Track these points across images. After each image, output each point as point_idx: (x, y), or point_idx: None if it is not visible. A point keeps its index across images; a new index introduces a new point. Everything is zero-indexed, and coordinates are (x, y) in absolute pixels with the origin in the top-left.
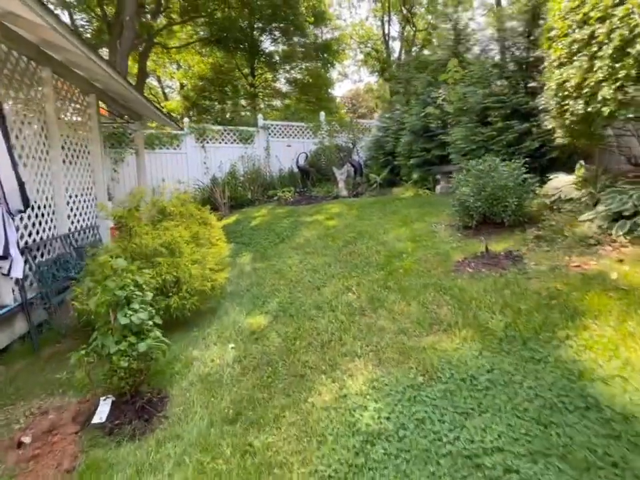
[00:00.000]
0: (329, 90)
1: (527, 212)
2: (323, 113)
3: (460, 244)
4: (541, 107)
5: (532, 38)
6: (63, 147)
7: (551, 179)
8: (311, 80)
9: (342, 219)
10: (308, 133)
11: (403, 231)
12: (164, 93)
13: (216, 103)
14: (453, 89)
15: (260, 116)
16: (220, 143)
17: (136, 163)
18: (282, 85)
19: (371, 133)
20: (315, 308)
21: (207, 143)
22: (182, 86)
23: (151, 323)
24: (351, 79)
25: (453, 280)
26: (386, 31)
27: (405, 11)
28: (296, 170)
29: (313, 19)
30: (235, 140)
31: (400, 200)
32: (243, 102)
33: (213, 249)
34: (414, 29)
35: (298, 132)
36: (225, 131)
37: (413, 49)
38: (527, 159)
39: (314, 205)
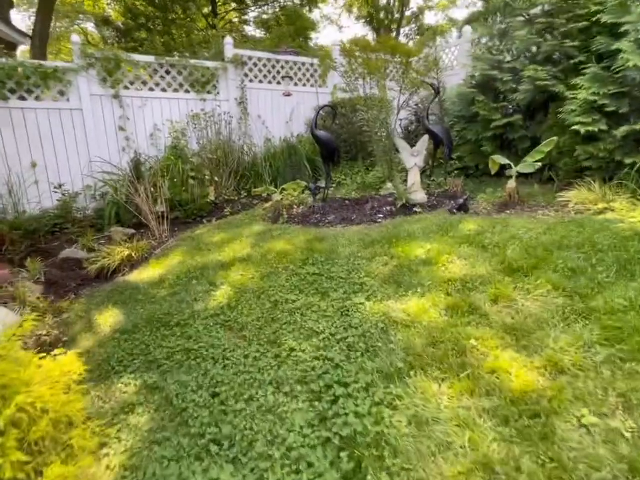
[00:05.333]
0: (312, 35)
1: None
2: (342, 40)
3: None
4: None
5: None
6: None
7: None
8: (287, 22)
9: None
10: (316, 74)
11: None
12: (103, 38)
13: (157, 36)
14: None
15: (228, 40)
16: (151, 90)
17: None
18: (251, 30)
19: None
20: None
21: (127, 88)
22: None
23: None
24: (336, 25)
25: None
26: None
27: None
28: (296, 142)
29: None
30: (180, 85)
31: None
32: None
33: None
34: None
35: (299, 72)
36: (162, 66)
37: None
38: None
39: (358, 228)
